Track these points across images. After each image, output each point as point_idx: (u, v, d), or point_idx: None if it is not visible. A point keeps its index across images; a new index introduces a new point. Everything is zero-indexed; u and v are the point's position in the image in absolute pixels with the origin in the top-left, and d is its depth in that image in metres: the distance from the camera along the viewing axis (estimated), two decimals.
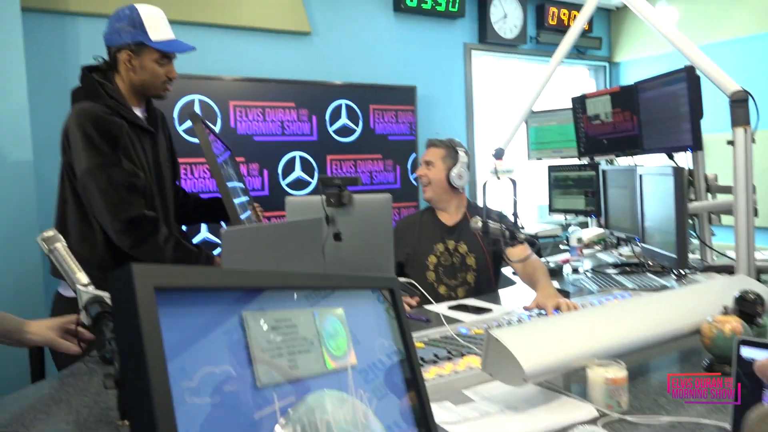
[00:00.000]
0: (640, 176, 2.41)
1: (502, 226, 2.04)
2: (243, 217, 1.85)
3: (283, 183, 3.65)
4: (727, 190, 2.46)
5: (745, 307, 1.47)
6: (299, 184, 3.71)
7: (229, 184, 1.85)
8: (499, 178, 2.12)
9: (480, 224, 2.08)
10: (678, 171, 2.05)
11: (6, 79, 2.58)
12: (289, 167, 3.67)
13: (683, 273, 2.36)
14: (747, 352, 1.07)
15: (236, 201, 1.84)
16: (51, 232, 1.57)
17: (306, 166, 3.73)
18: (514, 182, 2.07)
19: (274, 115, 3.61)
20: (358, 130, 3.92)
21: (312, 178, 3.75)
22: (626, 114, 2.77)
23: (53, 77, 3.06)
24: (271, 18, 3.68)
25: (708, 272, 2.33)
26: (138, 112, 1.99)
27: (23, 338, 1.53)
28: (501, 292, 2.45)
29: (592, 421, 1.14)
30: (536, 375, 1.18)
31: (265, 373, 0.64)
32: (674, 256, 2.08)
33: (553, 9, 4.90)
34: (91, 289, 1.53)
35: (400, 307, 0.94)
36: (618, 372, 1.20)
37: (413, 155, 4.12)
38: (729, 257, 2.38)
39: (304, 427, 0.66)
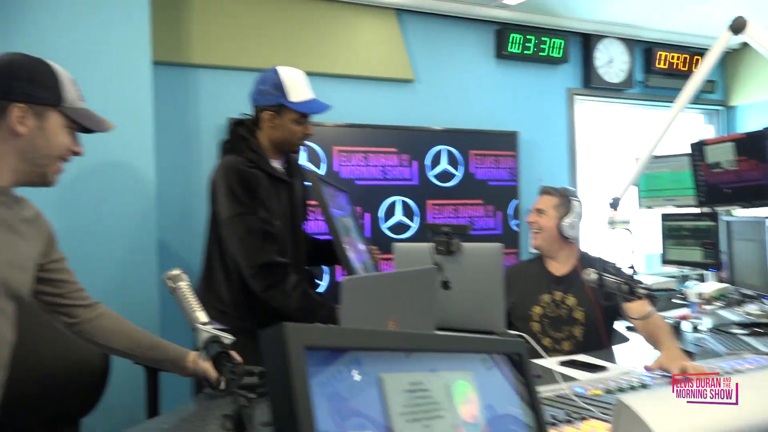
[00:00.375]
0: None
1: (620, 280, 1.93)
2: (358, 261, 1.87)
3: (384, 226, 3.68)
4: None
5: None
6: (400, 227, 3.73)
7: (345, 237, 1.90)
8: (614, 229, 2.02)
9: (594, 277, 1.98)
10: None
11: (136, 127, 2.80)
12: (390, 211, 3.70)
13: None
14: None
15: (354, 258, 1.87)
16: (177, 271, 1.66)
17: (407, 211, 3.75)
18: (631, 234, 1.96)
19: (376, 160, 3.67)
20: (459, 175, 3.90)
21: (412, 222, 3.76)
22: (752, 162, 2.58)
23: (177, 126, 3.29)
24: (376, 66, 3.79)
25: None
26: (276, 164, 2.13)
27: (185, 366, 1.62)
28: (615, 348, 2.30)
29: None
30: None
31: (400, 429, 0.62)
32: None
33: (661, 53, 4.72)
34: (210, 328, 1.59)
35: (528, 374, 0.90)
36: None
37: (514, 201, 4.04)
38: None
39: None
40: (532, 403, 0.88)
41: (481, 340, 0.84)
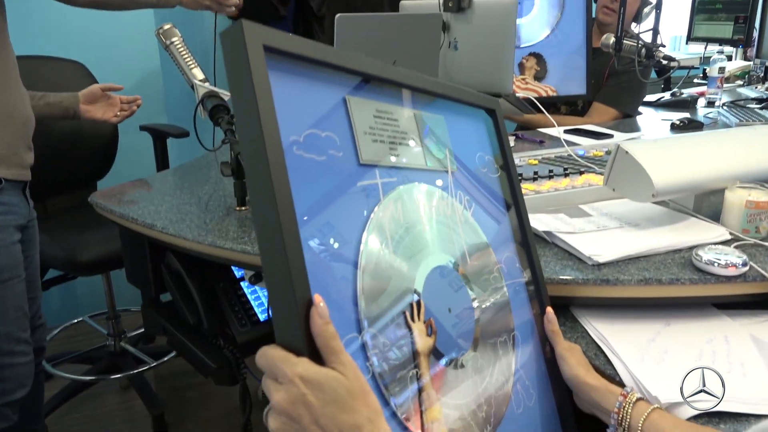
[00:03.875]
0: None
1: (639, 43, 1.82)
2: None
3: None
4: None
5: None
6: None
7: None
8: None
9: (612, 40, 1.87)
10: None
11: None
12: None
13: None
14: None
15: None
16: (167, 26, 1.58)
17: None
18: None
19: None
20: None
21: None
22: None
23: None
24: None
25: None
26: None
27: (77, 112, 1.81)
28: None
29: (724, 243, 1.05)
30: (667, 192, 1.09)
31: (367, 150, 0.61)
32: None
33: None
34: (208, 85, 1.55)
35: (502, 128, 0.88)
36: (762, 196, 1.08)
37: None
38: None
39: (405, 206, 0.64)
40: (504, 154, 0.88)
41: (455, 87, 0.80)
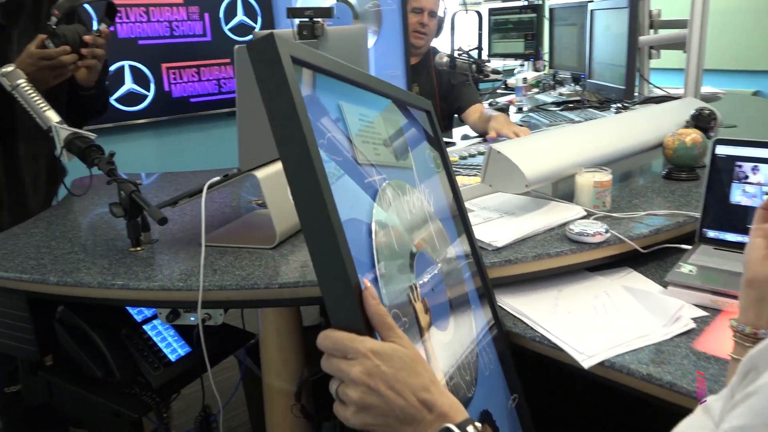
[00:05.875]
0: (592, 11, 2.47)
1: (469, 60, 2.07)
2: None
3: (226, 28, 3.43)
4: (669, 25, 2.58)
5: (701, 121, 1.63)
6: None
7: None
8: (467, 11, 2.10)
9: (446, 59, 2.10)
10: (634, 3, 2.12)
11: None
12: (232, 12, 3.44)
13: (624, 105, 2.52)
14: (721, 149, 1.22)
15: None
16: (10, 67, 1.45)
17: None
18: (479, 15, 2.07)
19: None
20: None
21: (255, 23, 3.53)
22: None
23: None
24: None
25: (647, 104, 2.50)
26: None
27: None
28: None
29: (583, 218, 1.27)
30: (536, 181, 1.29)
31: (361, 152, 0.69)
32: (622, 87, 2.21)
33: None
34: (66, 125, 1.46)
35: (438, 128, 1.01)
36: (604, 176, 1.33)
37: None
38: (665, 91, 2.55)
39: (397, 197, 0.73)
40: (441, 150, 1.00)
41: (406, 92, 0.91)
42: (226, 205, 1.59)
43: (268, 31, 2.07)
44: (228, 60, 3.48)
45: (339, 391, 0.54)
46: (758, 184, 1.17)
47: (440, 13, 2.41)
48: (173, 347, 1.31)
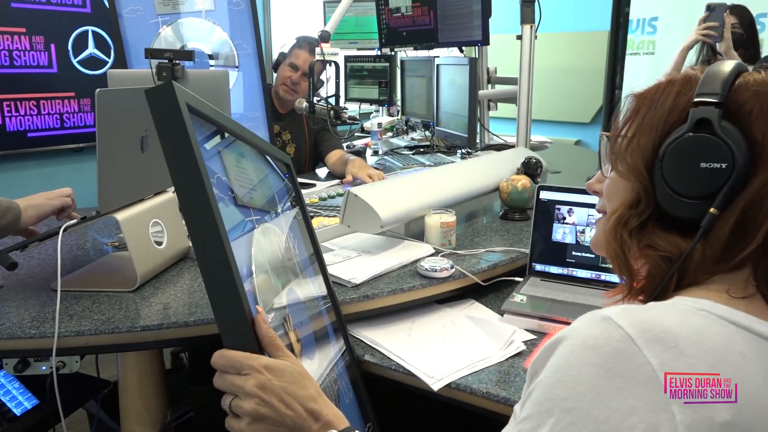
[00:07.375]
0: (438, 66, 2.72)
1: (328, 106, 2.18)
2: None
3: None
4: (504, 81, 2.90)
5: (529, 169, 1.87)
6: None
7: None
8: (324, 62, 2.22)
9: (306, 105, 2.20)
10: (473, 61, 2.38)
11: None
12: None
13: (468, 152, 2.78)
14: (544, 194, 1.42)
15: None
16: None
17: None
18: (337, 65, 2.20)
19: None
20: None
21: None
22: (424, 9, 3.02)
23: None
24: None
25: (487, 150, 2.79)
26: None
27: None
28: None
29: (432, 256, 1.41)
30: (390, 222, 1.40)
31: (239, 193, 0.75)
32: (465, 135, 2.46)
33: None
34: None
35: (294, 176, 1.09)
36: (449, 217, 1.49)
37: None
38: (503, 139, 2.86)
39: (270, 240, 0.79)
40: (299, 199, 1.08)
41: (270, 145, 0.98)
42: (78, 247, 1.53)
43: (124, 70, 2.04)
44: (73, 93, 3.30)
45: (233, 405, 0.60)
46: (573, 224, 1.38)
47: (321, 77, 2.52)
48: (18, 400, 1.23)
